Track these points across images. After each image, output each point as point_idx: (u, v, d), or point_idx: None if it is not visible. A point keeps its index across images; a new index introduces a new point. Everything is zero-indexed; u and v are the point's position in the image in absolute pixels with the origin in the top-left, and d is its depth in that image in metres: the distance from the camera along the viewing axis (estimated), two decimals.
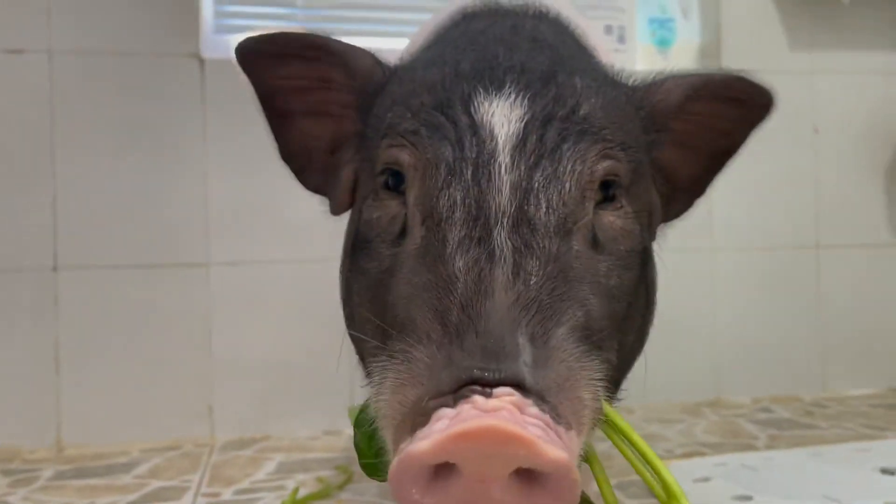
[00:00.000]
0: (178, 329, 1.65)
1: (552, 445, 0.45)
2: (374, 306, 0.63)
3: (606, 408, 0.57)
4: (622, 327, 0.66)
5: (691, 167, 0.79)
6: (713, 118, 0.77)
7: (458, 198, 0.59)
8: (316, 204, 1.68)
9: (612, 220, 0.65)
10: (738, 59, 1.94)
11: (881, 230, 2.01)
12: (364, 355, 0.69)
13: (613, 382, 0.62)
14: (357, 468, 1.37)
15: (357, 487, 1.23)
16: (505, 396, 0.46)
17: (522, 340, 0.50)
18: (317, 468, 1.37)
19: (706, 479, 1.17)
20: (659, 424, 1.65)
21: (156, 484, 1.30)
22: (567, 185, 0.60)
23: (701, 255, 1.91)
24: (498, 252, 0.55)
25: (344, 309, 0.78)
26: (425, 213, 0.61)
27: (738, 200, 1.93)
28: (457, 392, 0.47)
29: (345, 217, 0.89)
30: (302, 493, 1.16)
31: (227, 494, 1.23)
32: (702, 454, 1.38)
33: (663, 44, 1.98)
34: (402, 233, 0.63)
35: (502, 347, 0.49)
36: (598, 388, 0.54)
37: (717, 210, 1.91)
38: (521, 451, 0.45)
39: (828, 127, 1.99)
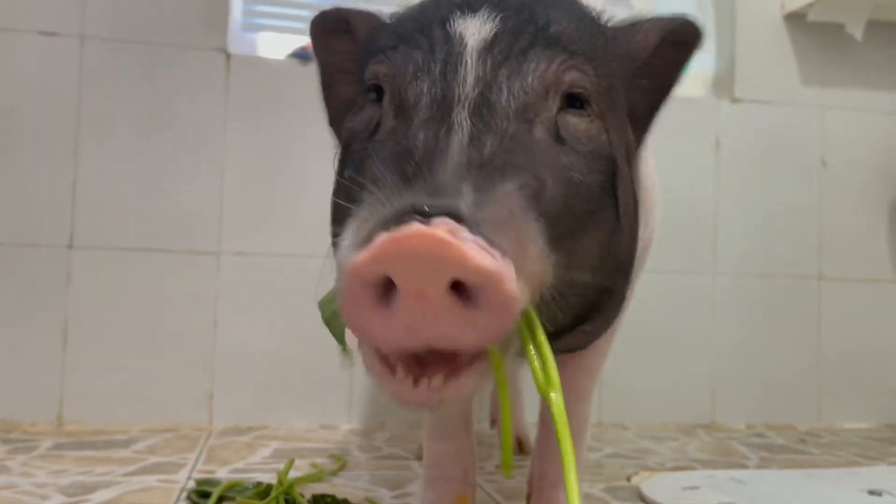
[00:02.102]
0: (185, 315, 1.68)
1: (482, 253, 0.46)
2: (346, 195, 0.64)
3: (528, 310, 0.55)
4: (580, 234, 0.65)
5: (643, 107, 0.80)
6: (670, 61, 0.80)
7: (425, 88, 0.62)
8: (326, 201, 1.72)
9: (576, 122, 0.67)
10: (750, 91, 1.98)
11: (884, 266, 2.03)
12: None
13: (564, 295, 0.60)
14: (351, 457, 1.39)
15: (350, 474, 1.25)
16: (441, 223, 0.47)
17: (467, 187, 0.52)
18: (312, 456, 1.39)
19: (694, 488, 1.19)
20: (652, 441, 1.67)
21: (153, 459, 1.32)
22: (530, 80, 0.63)
23: (703, 277, 1.93)
24: (456, 126, 0.58)
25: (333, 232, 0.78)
26: (397, 108, 0.65)
27: (744, 226, 1.96)
28: (397, 220, 0.48)
29: None
30: (296, 477, 1.17)
31: (221, 472, 1.24)
32: (693, 469, 1.39)
33: None
34: (376, 130, 0.67)
35: (445, 187, 0.52)
36: (545, 251, 0.54)
37: (721, 234, 1.94)
38: (450, 255, 0.45)
39: (835, 161, 2.02)
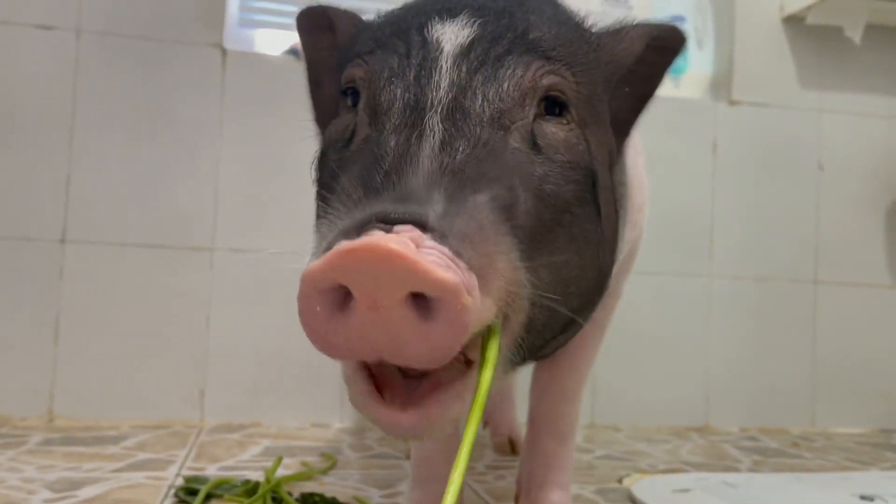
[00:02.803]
0: (178, 311, 1.68)
1: (439, 267, 0.45)
2: (320, 202, 0.65)
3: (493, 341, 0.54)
4: (558, 245, 0.64)
5: (625, 112, 0.79)
6: (653, 66, 0.79)
7: (398, 93, 0.61)
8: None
9: (555, 130, 0.66)
10: (748, 93, 1.98)
11: (880, 271, 2.03)
12: None
13: (544, 306, 0.59)
14: (341, 456, 1.38)
15: (341, 473, 1.25)
16: (405, 232, 0.47)
17: (436, 195, 0.51)
18: (302, 454, 1.38)
19: (686, 490, 1.18)
20: (646, 443, 1.66)
21: (142, 456, 1.32)
22: (505, 86, 0.62)
23: (699, 280, 1.93)
24: (428, 132, 0.57)
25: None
26: (371, 113, 0.63)
27: (740, 229, 1.95)
28: (361, 230, 0.48)
29: None
30: (285, 476, 1.17)
31: (211, 470, 1.24)
32: (685, 471, 1.39)
33: (676, 71, 2.02)
34: (352, 138, 0.66)
35: (413, 194, 0.51)
36: (517, 266, 0.54)
37: (717, 237, 1.94)
38: (404, 267, 0.45)
39: (832, 165, 2.02)
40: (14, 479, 1.12)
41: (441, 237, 0.47)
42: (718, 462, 1.50)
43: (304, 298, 0.48)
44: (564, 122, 0.67)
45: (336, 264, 0.46)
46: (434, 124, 0.58)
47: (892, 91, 2.06)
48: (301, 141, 1.73)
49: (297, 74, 1.72)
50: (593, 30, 0.76)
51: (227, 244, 1.70)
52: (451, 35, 0.64)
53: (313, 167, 0.76)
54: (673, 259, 1.90)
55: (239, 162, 1.72)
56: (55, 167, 1.63)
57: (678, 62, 2.10)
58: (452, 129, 0.58)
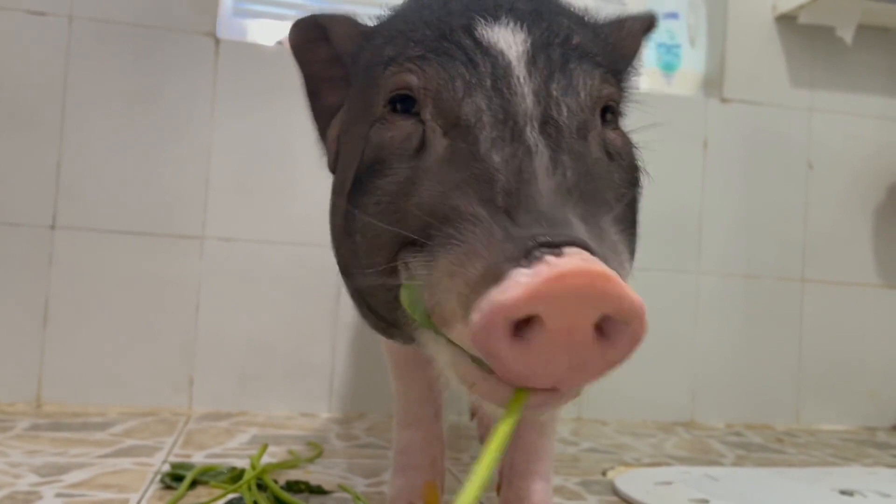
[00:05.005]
0: (167, 299, 1.68)
1: (631, 290, 0.46)
2: (392, 215, 0.61)
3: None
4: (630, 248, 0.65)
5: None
6: (636, 54, 0.82)
7: (484, 104, 0.58)
8: (312, 190, 1.72)
9: (614, 137, 0.66)
10: (740, 91, 1.99)
11: (867, 270, 2.05)
12: (370, 278, 0.65)
13: None
14: (328, 445, 1.39)
15: (327, 462, 1.25)
16: (576, 254, 0.46)
17: (572, 217, 0.50)
18: (289, 443, 1.39)
19: (668, 483, 1.20)
20: (631, 437, 1.67)
21: (129, 442, 1.32)
22: (582, 95, 0.61)
23: (687, 276, 1.94)
24: (534, 147, 0.55)
25: (340, 246, 0.74)
26: (447, 124, 0.60)
27: (729, 227, 1.96)
28: (527, 254, 0.46)
29: None
30: (270, 463, 1.17)
31: (197, 457, 1.24)
32: (669, 465, 1.40)
33: (668, 68, 2.02)
34: (420, 150, 0.62)
35: (561, 218, 0.49)
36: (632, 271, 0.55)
37: (706, 234, 1.95)
38: (610, 292, 0.45)
39: (822, 164, 2.03)
40: (0, 464, 1.12)
41: (605, 261, 0.47)
42: (702, 456, 1.52)
43: (489, 326, 0.46)
44: (615, 127, 0.68)
45: (539, 293, 0.44)
46: (536, 138, 0.56)
47: (883, 91, 2.07)
48: (292, 132, 1.74)
49: (290, 65, 1.74)
50: (600, 25, 0.77)
51: (217, 233, 1.70)
52: (508, 40, 0.62)
53: (341, 183, 0.72)
54: (661, 256, 1.91)
55: (230, 151, 1.72)
56: (46, 154, 1.63)
57: (671, 59, 2.10)
58: (553, 143, 0.56)
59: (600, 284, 0.45)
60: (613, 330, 0.47)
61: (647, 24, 0.83)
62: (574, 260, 0.45)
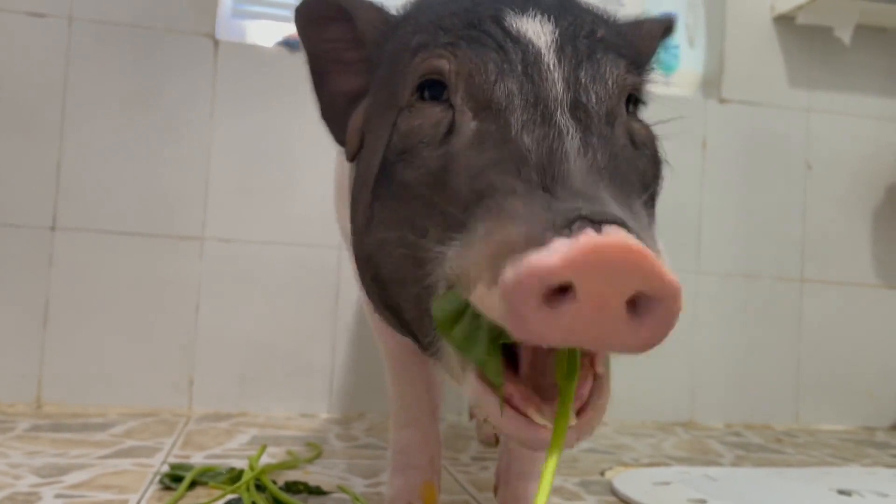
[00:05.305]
0: (167, 300, 1.68)
1: (668, 268, 0.46)
2: (425, 202, 0.61)
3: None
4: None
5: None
6: (655, 55, 0.83)
7: (515, 88, 0.59)
8: (311, 191, 1.72)
9: (639, 127, 0.67)
10: (738, 92, 1.99)
11: (866, 270, 2.05)
12: (400, 262, 0.65)
13: None
14: (328, 446, 1.39)
15: (326, 462, 1.26)
16: (616, 230, 0.46)
17: (606, 196, 0.50)
18: (289, 444, 1.39)
19: (666, 483, 1.20)
20: (630, 437, 1.68)
21: (129, 443, 1.33)
22: (609, 83, 0.62)
23: (686, 276, 1.94)
24: (564, 129, 0.56)
25: (362, 241, 0.73)
26: (478, 108, 0.61)
27: (728, 226, 1.97)
28: (569, 225, 0.46)
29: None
30: (269, 464, 1.18)
31: (197, 458, 1.25)
32: (667, 465, 1.40)
33: (667, 69, 2.03)
34: (448, 133, 0.62)
35: (598, 195, 0.50)
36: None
37: (705, 234, 1.95)
38: (645, 267, 0.45)
39: (820, 164, 2.03)
40: (1, 465, 1.12)
41: (642, 238, 0.47)
42: (701, 456, 1.52)
43: (521, 289, 0.45)
44: (640, 118, 0.68)
45: (575, 260, 0.44)
46: (566, 121, 0.57)
47: (881, 91, 2.07)
48: (291, 133, 1.74)
49: (289, 66, 1.75)
50: (620, 24, 0.78)
51: (217, 234, 1.71)
52: (536, 29, 0.63)
53: (364, 175, 0.72)
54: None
55: (230, 152, 1.73)
56: (46, 155, 1.64)
57: (670, 60, 2.10)
58: (583, 127, 0.57)
59: (638, 259, 0.45)
60: (647, 309, 0.47)
61: (665, 26, 0.84)
62: (615, 234, 0.45)
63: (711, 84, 2.03)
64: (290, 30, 1.80)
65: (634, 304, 0.47)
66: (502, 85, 0.60)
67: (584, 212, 0.47)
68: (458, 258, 0.53)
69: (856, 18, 1.93)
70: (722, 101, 1.98)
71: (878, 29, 2.04)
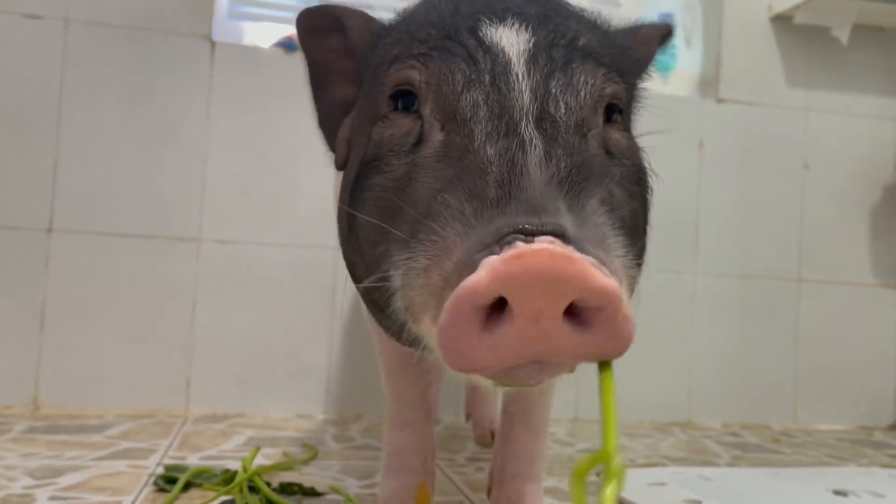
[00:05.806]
0: (164, 301, 1.68)
1: (602, 273, 0.45)
2: (387, 212, 0.61)
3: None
4: (635, 244, 0.64)
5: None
6: (651, 61, 0.83)
7: (480, 99, 0.59)
8: (308, 192, 1.72)
9: (618, 137, 0.67)
10: (735, 91, 1.99)
11: (863, 269, 2.05)
12: (369, 271, 0.66)
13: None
14: (323, 447, 1.39)
15: (321, 463, 1.26)
16: (545, 240, 0.45)
17: (562, 205, 0.50)
18: (285, 445, 1.39)
19: (661, 484, 1.20)
20: (627, 438, 1.67)
21: (125, 445, 1.33)
22: (582, 94, 0.61)
23: (683, 277, 1.94)
24: (528, 141, 0.55)
25: (344, 249, 0.75)
26: (445, 118, 0.61)
27: (725, 227, 1.97)
28: (500, 241, 0.46)
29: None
30: (264, 465, 1.18)
31: (192, 459, 1.25)
32: (663, 465, 1.40)
33: (663, 69, 2.03)
34: (417, 144, 0.63)
35: (543, 206, 0.49)
36: (631, 263, 0.54)
37: (703, 234, 1.95)
38: (576, 274, 0.44)
39: (818, 164, 2.03)
40: None
41: (583, 247, 0.46)
42: (698, 457, 1.52)
43: (456, 315, 0.46)
44: (622, 128, 0.68)
45: (503, 275, 0.44)
46: (530, 133, 0.56)
47: (879, 91, 2.07)
48: (288, 134, 1.74)
49: (285, 67, 1.75)
50: (613, 31, 0.77)
51: (214, 235, 1.71)
52: (511, 39, 0.63)
53: (346, 181, 0.72)
54: (658, 255, 1.90)
55: (226, 153, 1.73)
56: (42, 157, 1.64)
57: (667, 60, 2.11)
58: (548, 139, 0.56)
59: (563, 266, 0.44)
60: (592, 318, 0.46)
61: (663, 32, 0.84)
62: (544, 243, 0.45)
63: (708, 84, 2.02)
64: (287, 31, 1.80)
65: (579, 314, 0.46)
66: (468, 95, 0.60)
67: (520, 226, 0.47)
68: (404, 289, 0.54)
69: (853, 18, 1.93)
70: (719, 100, 1.98)
71: (876, 28, 2.04)
